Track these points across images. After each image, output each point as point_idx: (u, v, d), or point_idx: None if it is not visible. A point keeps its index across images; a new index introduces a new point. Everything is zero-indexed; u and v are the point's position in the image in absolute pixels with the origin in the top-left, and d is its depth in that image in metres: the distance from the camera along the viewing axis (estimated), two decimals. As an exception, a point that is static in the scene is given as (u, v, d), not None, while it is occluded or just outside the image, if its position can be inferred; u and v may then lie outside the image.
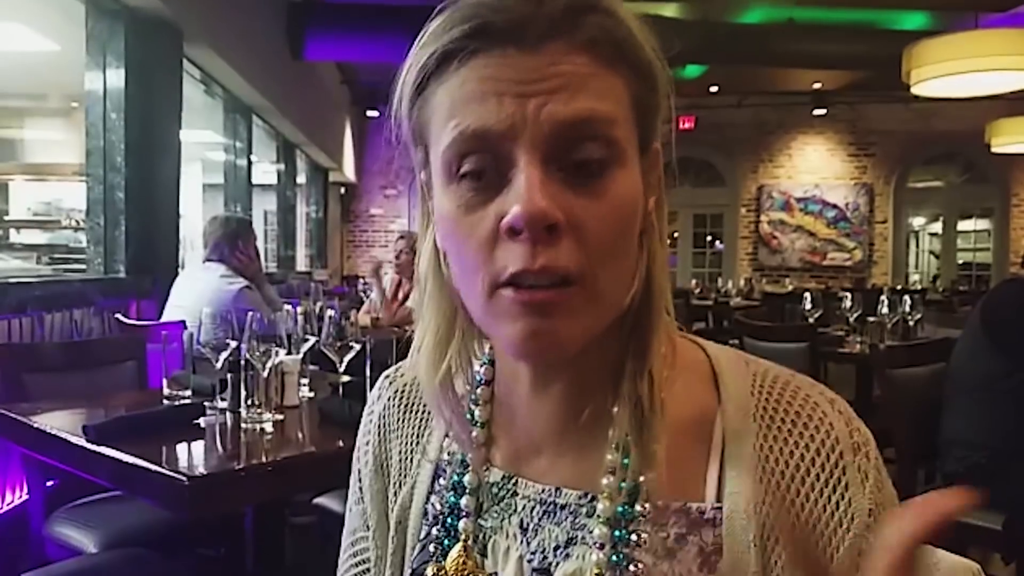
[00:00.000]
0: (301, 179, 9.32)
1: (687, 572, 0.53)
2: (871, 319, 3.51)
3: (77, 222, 6.07)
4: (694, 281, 9.34)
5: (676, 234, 11.74)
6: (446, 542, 0.61)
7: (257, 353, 1.73)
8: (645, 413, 0.54)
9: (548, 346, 0.51)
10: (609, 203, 0.50)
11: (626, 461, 0.54)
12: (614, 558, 0.53)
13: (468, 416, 0.62)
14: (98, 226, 3.85)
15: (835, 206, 11.07)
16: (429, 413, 0.67)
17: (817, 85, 9.53)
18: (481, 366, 0.63)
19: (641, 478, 0.54)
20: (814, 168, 11.21)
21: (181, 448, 1.58)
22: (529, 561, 0.57)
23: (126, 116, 3.83)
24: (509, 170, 0.49)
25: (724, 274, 10.56)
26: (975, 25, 5.69)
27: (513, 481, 0.60)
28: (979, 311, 2.29)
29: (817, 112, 10.16)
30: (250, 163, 6.61)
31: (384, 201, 11.47)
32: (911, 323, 3.61)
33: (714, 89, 9.69)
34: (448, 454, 0.65)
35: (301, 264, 9.24)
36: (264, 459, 1.53)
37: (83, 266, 4.16)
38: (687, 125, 11.04)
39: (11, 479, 2.59)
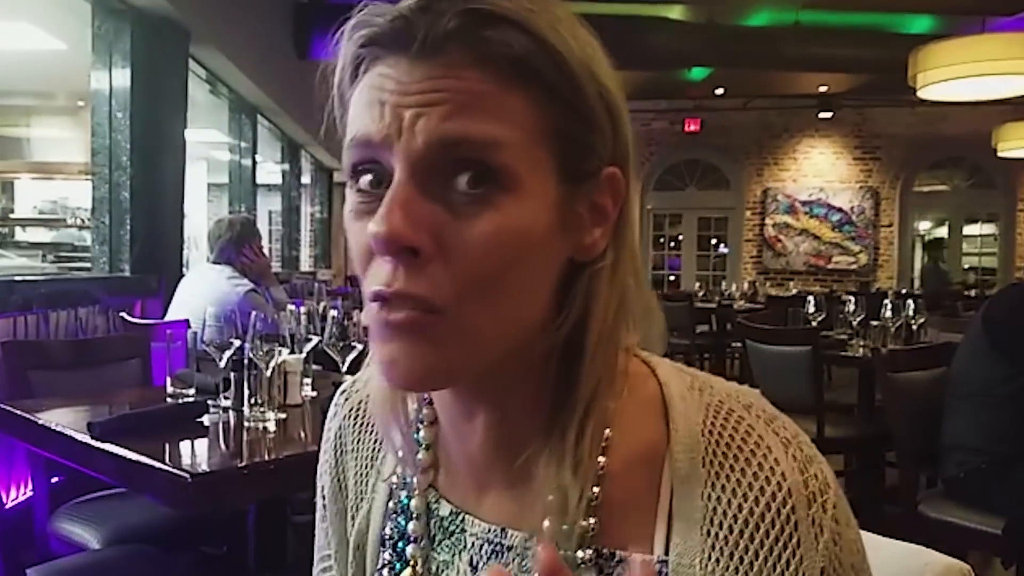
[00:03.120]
0: (306, 179, 9.35)
1: None
2: (874, 323, 3.51)
3: (83, 220, 6.09)
4: (697, 284, 9.33)
5: (680, 236, 11.75)
6: (397, 566, 0.60)
7: (260, 352, 1.74)
8: (589, 451, 0.50)
9: (408, 374, 0.48)
10: (487, 232, 0.45)
11: (569, 502, 0.50)
12: None
13: (415, 436, 0.60)
14: (103, 225, 3.87)
15: (840, 210, 11.06)
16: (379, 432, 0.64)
17: (823, 88, 9.51)
18: None
19: (582, 523, 0.51)
20: (819, 171, 11.20)
21: (184, 446, 1.59)
22: None
23: (132, 115, 3.85)
24: (389, 183, 0.46)
25: (728, 277, 10.56)
26: (982, 29, 5.68)
27: (461, 518, 0.58)
28: (981, 315, 2.29)
29: (823, 115, 10.14)
30: (255, 163, 6.64)
31: (389, 202, 11.50)
32: (915, 327, 3.60)
33: (720, 92, 9.68)
34: (398, 476, 0.62)
35: (305, 264, 9.27)
36: (266, 457, 1.54)
37: (88, 265, 4.18)
38: (693, 128, 11.07)
39: (16, 475, 2.61)
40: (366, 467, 0.64)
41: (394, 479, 0.62)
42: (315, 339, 2.09)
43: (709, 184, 11.52)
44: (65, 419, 1.73)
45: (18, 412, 1.82)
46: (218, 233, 3.16)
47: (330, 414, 0.69)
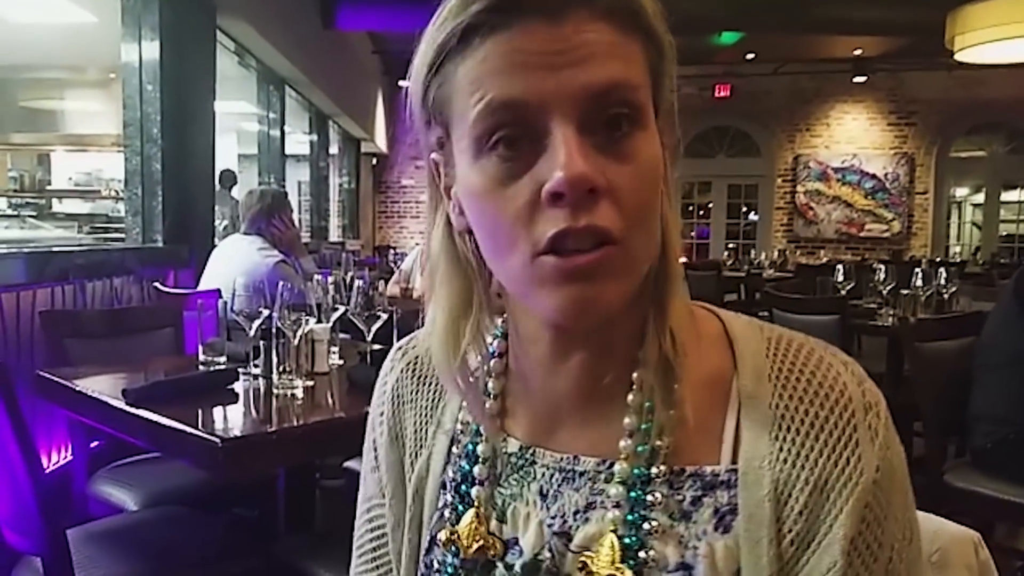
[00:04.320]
0: (333, 150, 9.39)
1: (702, 533, 0.54)
2: (905, 292, 3.46)
3: (116, 192, 6.19)
4: (726, 253, 9.24)
5: (710, 205, 11.62)
6: (460, 508, 0.62)
7: (288, 322, 1.78)
8: (667, 377, 0.56)
9: (591, 311, 0.52)
10: (639, 165, 0.51)
11: (645, 425, 0.56)
12: (629, 516, 0.55)
13: (482, 388, 0.63)
14: (136, 196, 3.93)
15: (874, 176, 10.86)
16: (442, 386, 0.68)
17: (857, 52, 9.30)
18: (494, 339, 0.64)
19: (658, 442, 0.56)
20: (853, 137, 10.99)
21: (216, 412, 1.64)
22: (549, 525, 0.58)
23: (161, 88, 3.89)
24: (543, 140, 0.50)
25: (758, 246, 10.45)
26: (1023, -11, 5.50)
27: (531, 451, 0.61)
28: (1013, 282, 2.25)
29: (857, 80, 9.92)
30: (283, 134, 6.68)
31: (415, 172, 11.49)
32: (946, 296, 3.55)
33: (750, 57, 9.51)
34: (462, 424, 0.66)
35: (334, 234, 9.34)
36: (295, 423, 1.58)
37: (122, 235, 4.26)
38: (722, 93, 10.87)
39: (57, 440, 2.70)
40: (425, 418, 0.68)
41: (457, 427, 0.66)
42: (341, 308, 2.12)
43: (739, 151, 11.37)
44: (101, 386, 1.79)
45: (57, 379, 1.88)
46: (249, 204, 3.20)
47: (385, 370, 0.72)
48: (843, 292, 3.75)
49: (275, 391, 1.74)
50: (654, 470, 0.55)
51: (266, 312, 1.92)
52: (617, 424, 0.57)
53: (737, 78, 10.65)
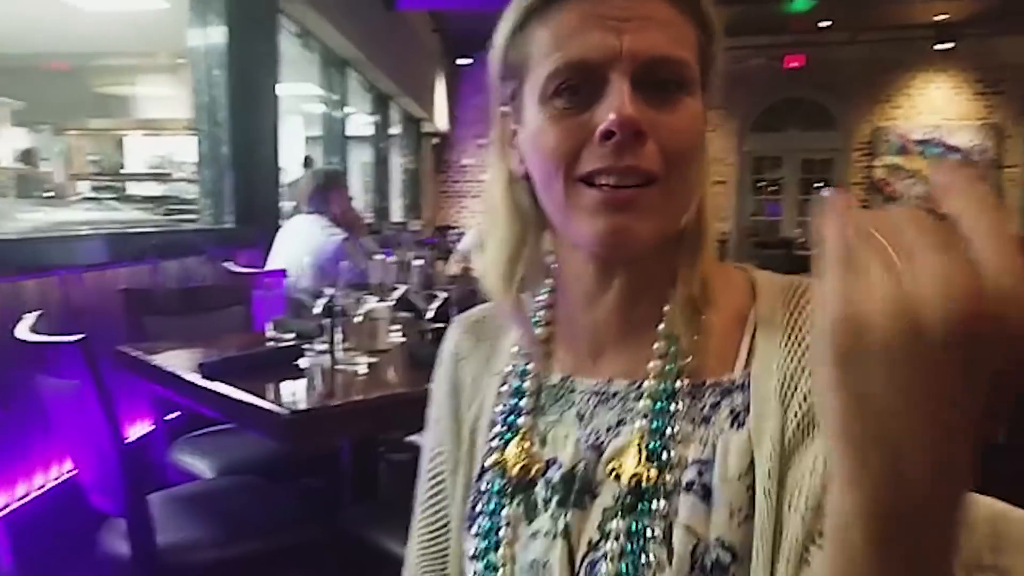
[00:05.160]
0: (395, 130, 9.49)
1: (720, 431, 0.61)
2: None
3: (189, 175, 6.40)
4: (798, 230, 9.00)
5: (782, 179, 11.30)
6: (507, 437, 0.69)
7: (350, 300, 1.83)
8: (693, 311, 0.63)
9: (625, 241, 0.60)
10: (683, 119, 0.59)
11: (673, 349, 0.64)
12: (654, 425, 0.62)
13: (533, 320, 0.72)
14: (208, 179, 4.07)
15: (958, 149, 10.37)
16: (496, 341, 0.76)
17: (941, 17, 8.87)
18: (543, 293, 0.73)
19: (683, 362, 0.63)
20: (936, 108, 10.50)
21: (283, 386, 1.70)
22: (585, 441, 0.65)
23: (228, 72, 3.99)
24: (602, 89, 0.58)
25: (832, 223, 10.12)
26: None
27: (570, 381, 0.68)
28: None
29: (940, 47, 9.47)
30: (345, 115, 6.78)
31: (476, 151, 11.52)
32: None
33: (825, 24, 9.16)
34: (511, 366, 0.73)
35: (396, 215, 9.47)
36: (358, 397, 1.63)
37: (194, 216, 4.41)
38: (795, 64, 10.50)
39: (139, 412, 2.84)
40: (480, 371, 0.76)
41: (506, 369, 0.73)
42: (402, 288, 2.17)
43: (812, 124, 10.92)
44: (177, 361, 1.88)
45: (134, 354, 1.98)
46: (305, 184, 3.30)
47: (448, 334, 0.81)
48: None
49: (339, 367, 1.80)
50: (678, 384, 0.63)
51: (330, 291, 1.98)
52: (647, 350, 0.65)
53: (811, 47, 10.28)
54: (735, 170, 11.00)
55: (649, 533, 0.60)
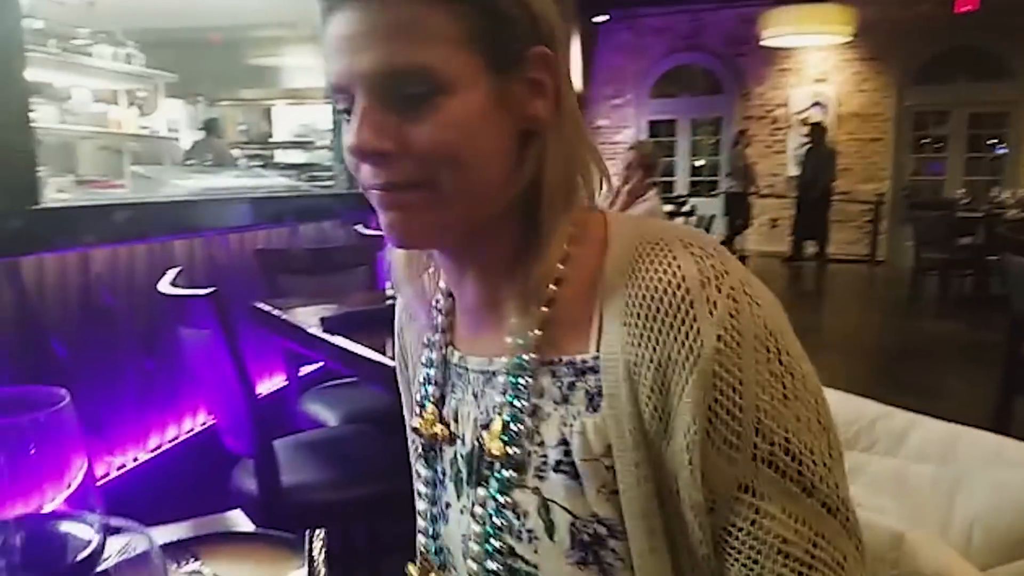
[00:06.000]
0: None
1: (578, 413, 0.61)
2: None
3: (330, 143, 6.70)
4: (963, 190, 8.26)
5: (947, 136, 10.35)
6: (426, 404, 0.74)
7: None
8: (541, 282, 0.63)
9: (405, 235, 0.63)
10: (436, 126, 0.58)
11: (521, 324, 0.64)
12: (508, 398, 0.64)
13: (433, 306, 0.74)
14: (341, 145, 4.25)
15: None
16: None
17: None
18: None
19: (531, 333, 0.63)
20: None
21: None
22: (479, 421, 0.68)
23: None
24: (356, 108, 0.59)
25: (1004, 182, 9.18)
26: None
27: (465, 360, 0.71)
28: None
29: None
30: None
31: (611, 111, 11.35)
32: None
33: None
34: (427, 339, 0.77)
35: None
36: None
37: (333, 183, 4.63)
38: (967, 7, 9.48)
39: (277, 366, 3.05)
40: (416, 340, 0.80)
41: (424, 340, 0.77)
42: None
43: (984, 75, 9.68)
44: (305, 316, 2.00)
45: (269, 310, 2.13)
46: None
47: (396, 312, 0.85)
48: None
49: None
50: (527, 357, 0.63)
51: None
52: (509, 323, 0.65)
53: (982, -10, 9.28)
54: (893, 126, 10.22)
55: (526, 508, 0.63)
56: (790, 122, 10.48)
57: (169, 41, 6.09)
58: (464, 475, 0.69)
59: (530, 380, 0.63)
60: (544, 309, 0.64)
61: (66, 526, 0.48)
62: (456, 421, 0.71)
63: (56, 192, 3.33)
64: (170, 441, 2.41)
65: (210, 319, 1.55)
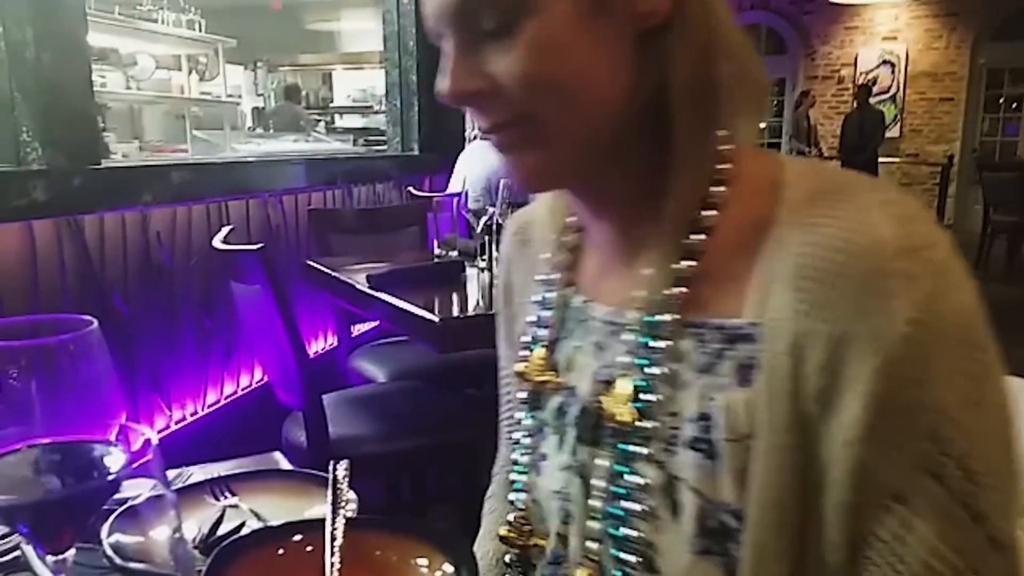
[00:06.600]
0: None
1: (724, 385, 0.53)
2: None
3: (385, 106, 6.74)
4: None
5: (1022, 95, 9.82)
6: (533, 348, 0.68)
7: (507, 217, 1.88)
8: (686, 229, 0.56)
9: (526, 178, 0.58)
10: (522, 53, 0.52)
11: (661, 276, 0.57)
12: (639, 361, 0.57)
13: (560, 242, 0.70)
14: (396, 108, 4.26)
15: None
16: (541, 246, 0.73)
17: None
18: None
19: (674, 289, 0.56)
20: None
21: (440, 297, 1.80)
22: (598, 375, 0.62)
23: (416, 0, 4.11)
24: None
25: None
26: None
27: (589, 306, 0.65)
28: None
29: None
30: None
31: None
32: None
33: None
34: (546, 276, 0.71)
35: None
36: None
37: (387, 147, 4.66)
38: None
39: (330, 324, 3.12)
40: (526, 274, 0.75)
41: (543, 278, 0.71)
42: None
43: None
44: (354, 274, 2.04)
45: (320, 267, 2.17)
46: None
47: (503, 237, 0.81)
48: None
49: (494, 281, 1.87)
50: (667, 317, 0.56)
51: (492, 209, 2.05)
52: (647, 277, 0.58)
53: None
54: (965, 85, 9.75)
55: (649, 482, 0.56)
56: (857, 82, 10.10)
57: (229, 7, 6.18)
58: (573, 431, 0.63)
59: (668, 344, 0.56)
60: (691, 263, 0.56)
61: (92, 450, 0.50)
62: (569, 370, 0.65)
63: (121, 157, 3.44)
64: (227, 397, 2.49)
65: (259, 274, 1.59)
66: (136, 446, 0.48)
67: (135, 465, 0.46)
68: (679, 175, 0.56)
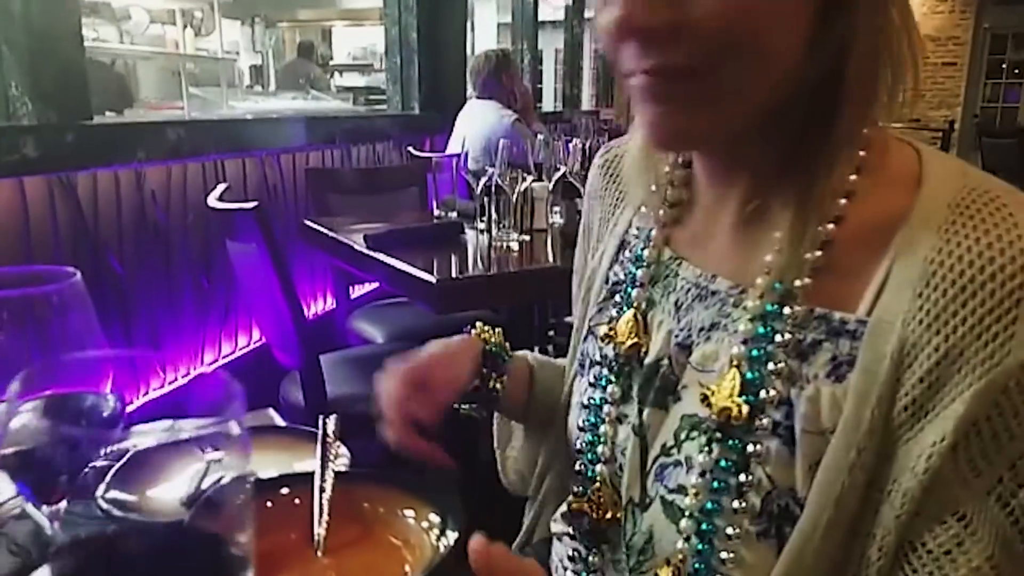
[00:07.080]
0: (590, 14, 9.20)
1: (814, 376, 0.51)
2: None
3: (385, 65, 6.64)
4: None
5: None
6: (625, 309, 0.65)
7: (508, 179, 1.86)
8: (817, 216, 0.52)
9: (666, 134, 0.52)
10: None
11: (784, 264, 0.54)
12: (755, 352, 0.54)
13: (662, 196, 0.65)
14: (395, 66, 4.19)
15: None
16: (628, 187, 0.71)
17: None
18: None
19: (796, 283, 0.53)
20: None
21: (438, 257, 1.79)
22: (676, 336, 0.60)
23: (417, -44, 4.02)
24: None
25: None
26: None
27: (678, 263, 0.63)
28: None
29: None
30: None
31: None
32: None
33: None
34: (637, 229, 0.69)
35: (586, 103, 9.30)
36: (503, 269, 1.68)
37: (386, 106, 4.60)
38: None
39: (329, 286, 3.10)
40: (607, 216, 0.73)
41: (633, 231, 0.69)
42: (563, 168, 2.16)
43: None
44: (351, 234, 2.02)
45: (317, 227, 2.15)
46: (477, 68, 3.32)
47: (591, 168, 0.78)
48: None
49: (494, 243, 1.86)
50: (787, 310, 0.53)
51: (491, 170, 2.02)
52: (760, 256, 0.55)
53: None
54: (968, 50, 9.63)
55: (732, 469, 0.54)
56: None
57: (225, -40, 6.05)
58: (639, 390, 0.61)
59: (783, 336, 0.53)
60: (817, 253, 0.53)
61: (81, 401, 0.49)
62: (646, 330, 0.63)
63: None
64: (224, 357, 2.48)
65: (255, 233, 1.57)
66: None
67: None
68: (832, 159, 0.52)
